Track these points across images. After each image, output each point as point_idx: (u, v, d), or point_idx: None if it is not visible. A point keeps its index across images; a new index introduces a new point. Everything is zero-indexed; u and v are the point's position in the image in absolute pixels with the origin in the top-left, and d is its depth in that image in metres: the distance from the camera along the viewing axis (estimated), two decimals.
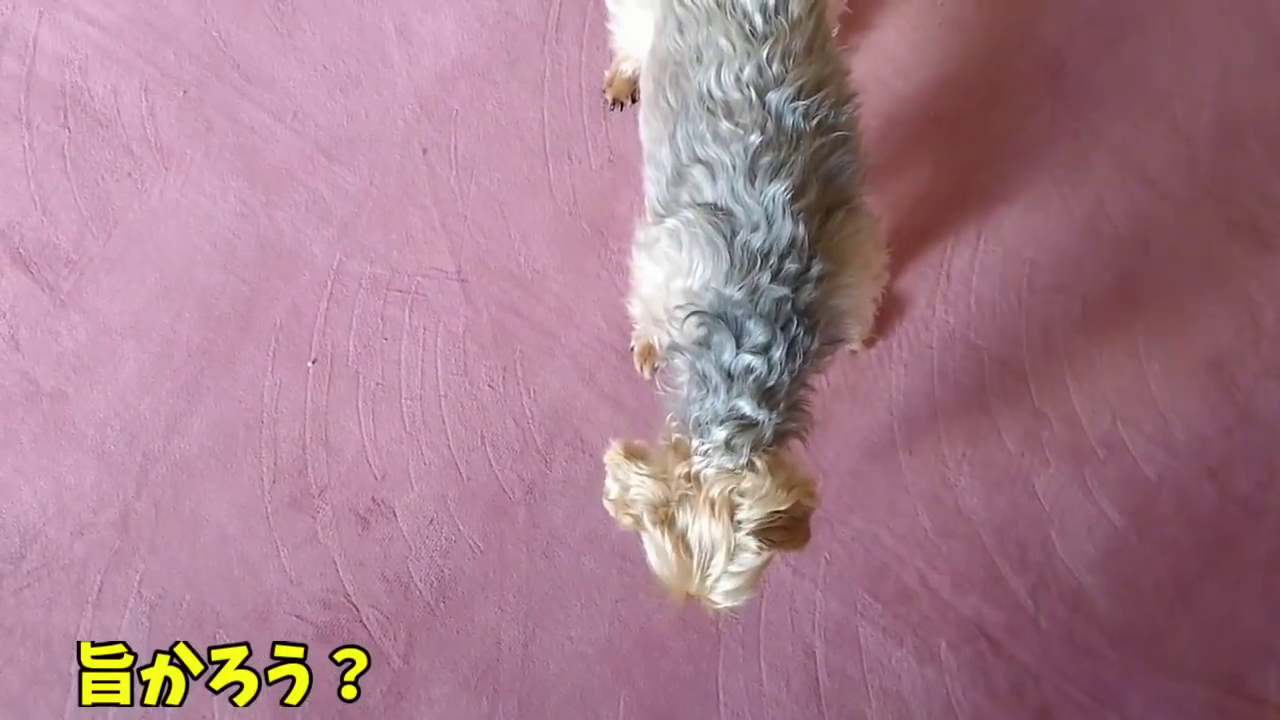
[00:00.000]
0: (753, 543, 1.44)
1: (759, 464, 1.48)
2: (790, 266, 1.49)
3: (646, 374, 2.09)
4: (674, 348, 1.57)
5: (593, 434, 2.09)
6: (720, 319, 1.50)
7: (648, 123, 1.71)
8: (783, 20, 1.58)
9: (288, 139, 2.26)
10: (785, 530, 1.47)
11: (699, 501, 1.46)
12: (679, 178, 1.57)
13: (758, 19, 1.57)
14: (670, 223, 1.56)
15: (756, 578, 1.48)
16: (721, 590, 1.47)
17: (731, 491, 1.45)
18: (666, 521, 1.46)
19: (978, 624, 1.96)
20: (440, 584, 2.05)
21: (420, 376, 2.14)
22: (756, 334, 1.49)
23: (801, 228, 1.49)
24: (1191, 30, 2.22)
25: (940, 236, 2.14)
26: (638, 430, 2.05)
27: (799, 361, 1.51)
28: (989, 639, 1.96)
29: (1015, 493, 2.02)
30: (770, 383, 1.50)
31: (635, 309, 1.79)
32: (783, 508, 1.45)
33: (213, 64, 2.30)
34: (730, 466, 1.47)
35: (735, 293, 1.49)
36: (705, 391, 1.51)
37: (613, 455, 1.49)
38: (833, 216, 1.55)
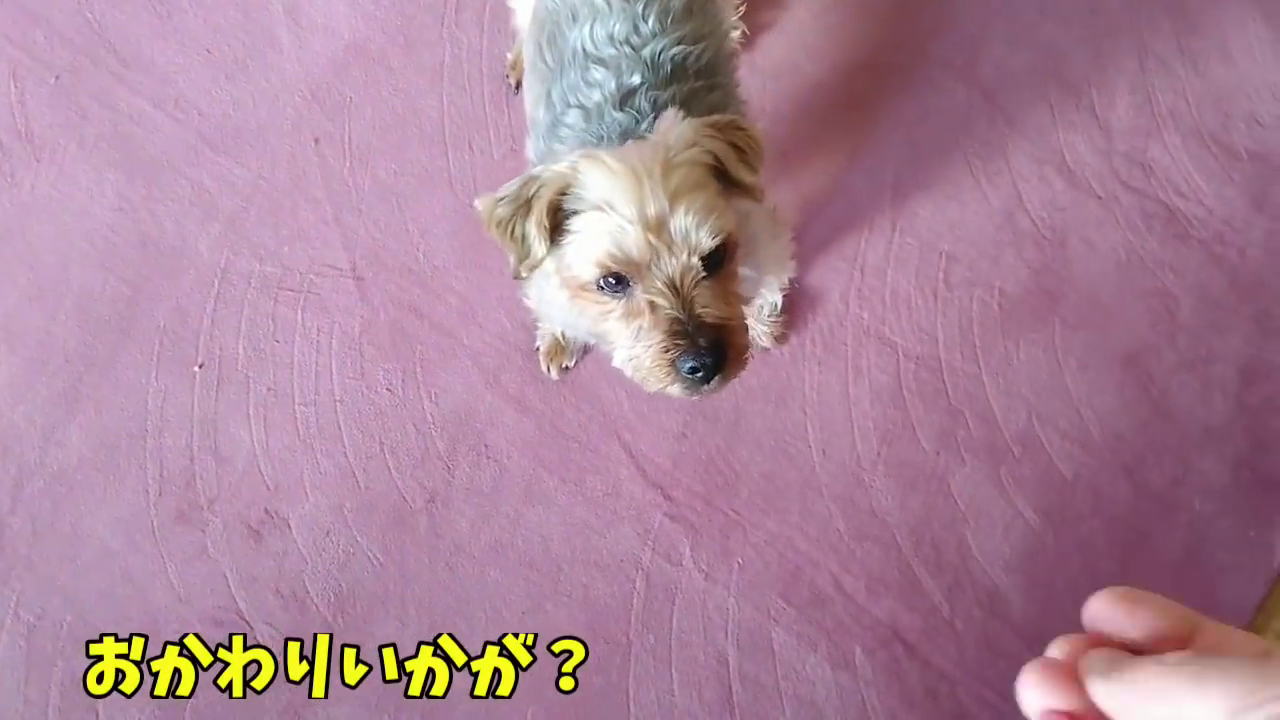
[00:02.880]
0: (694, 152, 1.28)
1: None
2: None
3: (553, 374, 2.01)
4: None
5: (497, 438, 2.00)
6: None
7: (529, 87, 1.63)
8: None
9: (169, 128, 2.12)
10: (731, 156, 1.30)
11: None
12: (554, 126, 1.49)
13: None
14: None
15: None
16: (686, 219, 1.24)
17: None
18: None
19: (892, 628, 1.92)
20: (338, 598, 1.95)
21: (315, 381, 2.03)
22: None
23: None
24: (1110, 17, 2.17)
25: (854, 228, 2.07)
26: (546, 436, 1.98)
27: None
28: (904, 643, 1.91)
29: (931, 493, 1.97)
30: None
31: (530, 298, 1.69)
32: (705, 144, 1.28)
33: (87, 47, 2.16)
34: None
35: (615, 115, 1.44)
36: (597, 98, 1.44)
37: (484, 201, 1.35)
38: None
